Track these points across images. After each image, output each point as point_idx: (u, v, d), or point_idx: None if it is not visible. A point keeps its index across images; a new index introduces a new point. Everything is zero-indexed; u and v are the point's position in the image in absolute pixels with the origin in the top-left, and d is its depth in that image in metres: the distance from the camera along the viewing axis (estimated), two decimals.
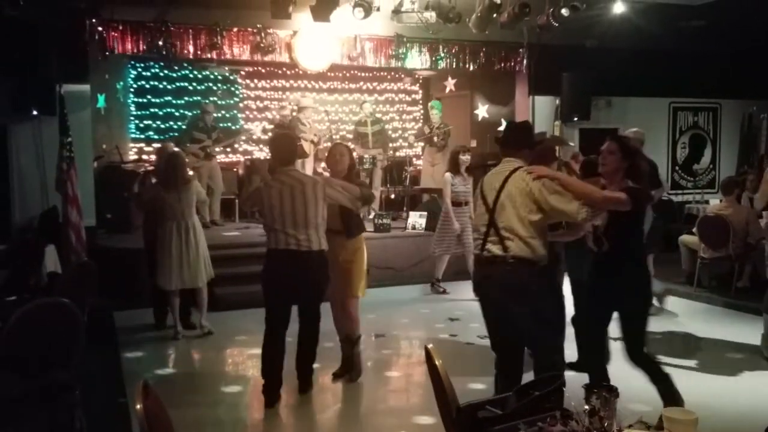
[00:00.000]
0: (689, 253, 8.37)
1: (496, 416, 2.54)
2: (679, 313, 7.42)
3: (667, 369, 4.35)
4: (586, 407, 2.16)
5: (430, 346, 2.91)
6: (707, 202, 10.38)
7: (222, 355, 6.25)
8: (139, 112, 10.86)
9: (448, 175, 8.01)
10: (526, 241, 3.78)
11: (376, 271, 8.92)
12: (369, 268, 5.64)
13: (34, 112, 7.83)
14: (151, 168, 8.20)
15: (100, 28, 8.15)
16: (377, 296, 8.46)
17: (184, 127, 10.64)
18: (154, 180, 6.94)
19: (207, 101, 10.43)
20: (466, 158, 8.03)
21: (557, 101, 10.47)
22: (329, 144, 11.38)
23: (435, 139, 10.38)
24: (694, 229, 8.07)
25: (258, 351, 5.00)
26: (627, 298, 4.06)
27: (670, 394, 4.12)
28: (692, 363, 5.81)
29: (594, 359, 4.36)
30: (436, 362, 2.81)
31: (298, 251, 4.69)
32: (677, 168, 11.79)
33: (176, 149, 7.14)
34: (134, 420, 3.29)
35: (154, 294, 6.70)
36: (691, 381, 5.30)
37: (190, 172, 7.26)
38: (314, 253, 4.74)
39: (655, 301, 7.04)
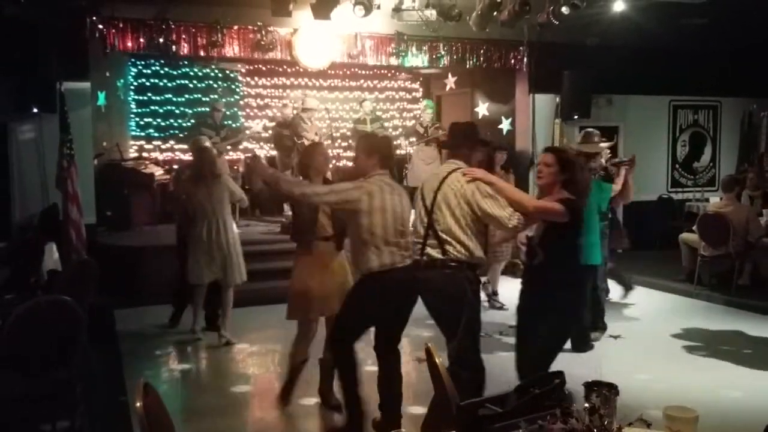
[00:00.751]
0: (689, 251, 8.37)
1: (496, 414, 2.54)
2: (680, 311, 7.43)
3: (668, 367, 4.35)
4: (586, 405, 2.16)
5: (430, 344, 2.92)
6: (707, 200, 10.38)
7: (226, 354, 6.23)
8: (139, 110, 10.86)
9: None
10: (464, 244, 3.80)
11: None
12: None
13: (35, 110, 7.82)
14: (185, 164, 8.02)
15: (100, 26, 8.14)
16: None
17: (189, 124, 10.66)
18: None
19: (217, 99, 10.45)
20: (502, 156, 7.63)
21: (558, 99, 10.45)
22: (329, 142, 11.44)
23: (426, 134, 10.38)
24: (695, 227, 8.07)
25: (258, 349, 4.99)
26: (550, 314, 3.86)
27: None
28: (693, 360, 5.82)
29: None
30: (437, 360, 2.82)
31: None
32: (677, 166, 11.78)
33: (206, 144, 7.04)
34: (134, 419, 3.30)
35: (178, 291, 6.67)
36: (692, 378, 5.32)
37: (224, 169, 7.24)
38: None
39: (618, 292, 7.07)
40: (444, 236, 3.81)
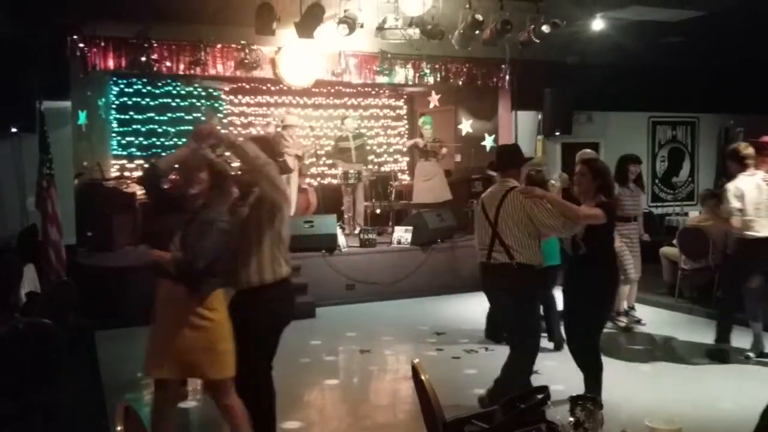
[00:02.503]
0: (670, 264, 8.45)
1: (482, 430, 2.55)
2: (662, 324, 7.47)
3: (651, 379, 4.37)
4: (571, 419, 2.17)
5: (416, 361, 2.92)
6: (686, 214, 10.50)
7: None
8: (121, 129, 10.80)
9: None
10: (527, 250, 4.48)
11: (362, 286, 8.94)
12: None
13: (14, 130, 7.76)
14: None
15: (81, 45, 8.12)
16: (363, 311, 8.47)
17: (172, 142, 10.65)
18: None
19: (208, 117, 10.41)
20: (635, 168, 7.44)
21: (539, 116, 10.56)
22: (314, 159, 11.46)
23: (427, 150, 10.41)
24: (675, 241, 8.15)
25: None
26: (593, 295, 4.68)
27: (596, 388, 4.67)
28: (676, 373, 5.84)
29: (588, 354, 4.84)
30: (423, 377, 2.82)
31: None
32: (657, 181, 11.92)
33: None
34: None
35: None
36: (674, 391, 5.35)
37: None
38: None
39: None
40: (509, 243, 4.49)
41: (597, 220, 4.49)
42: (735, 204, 5.85)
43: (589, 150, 7.65)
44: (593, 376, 4.75)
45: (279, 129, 10.11)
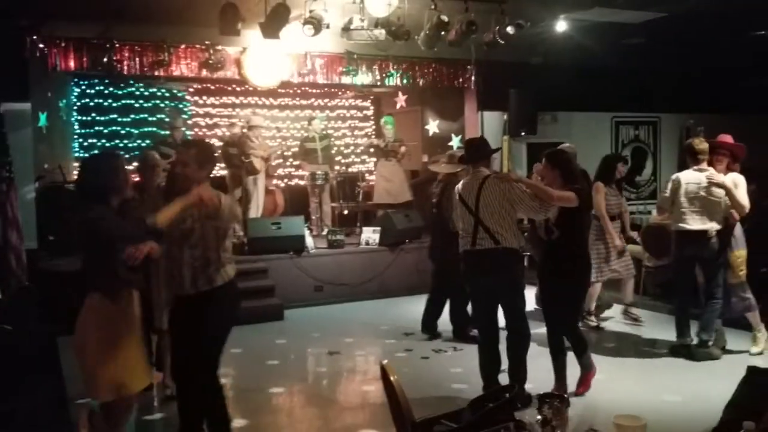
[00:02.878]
0: (634, 262, 8.57)
1: (451, 430, 2.56)
2: (626, 321, 7.59)
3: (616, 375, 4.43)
4: (539, 417, 2.19)
5: (385, 362, 2.92)
6: (650, 212, 10.67)
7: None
8: (83, 131, 10.64)
9: (600, 184, 6.98)
10: (510, 234, 4.72)
11: (330, 288, 8.92)
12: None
13: None
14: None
15: (41, 45, 7.95)
16: (331, 313, 8.45)
17: (135, 144, 10.52)
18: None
19: (174, 118, 10.28)
20: (623, 168, 7.61)
21: (505, 116, 10.64)
22: (281, 160, 11.40)
23: (387, 149, 10.46)
24: (638, 239, 8.28)
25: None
26: (567, 277, 4.90)
27: (587, 360, 5.14)
28: (640, 368, 5.94)
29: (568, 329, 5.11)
30: (392, 378, 2.82)
31: None
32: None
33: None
34: None
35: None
36: (640, 386, 5.43)
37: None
38: None
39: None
40: (494, 229, 4.70)
41: (570, 202, 4.70)
42: (665, 193, 6.15)
43: (567, 144, 7.69)
44: (583, 350, 5.10)
45: (245, 130, 10.04)
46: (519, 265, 4.89)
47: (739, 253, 6.03)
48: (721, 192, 5.83)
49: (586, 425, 2.05)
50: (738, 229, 6.06)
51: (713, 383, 5.32)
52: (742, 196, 5.87)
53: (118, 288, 3.70)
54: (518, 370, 4.90)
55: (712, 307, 6.08)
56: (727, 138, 6.13)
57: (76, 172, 4.22)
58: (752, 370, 3.74)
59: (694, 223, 5.94)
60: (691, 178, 6.00)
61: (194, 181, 3.84)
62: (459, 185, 5.09)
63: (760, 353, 6.08)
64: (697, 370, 5.86)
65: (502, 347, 5.02)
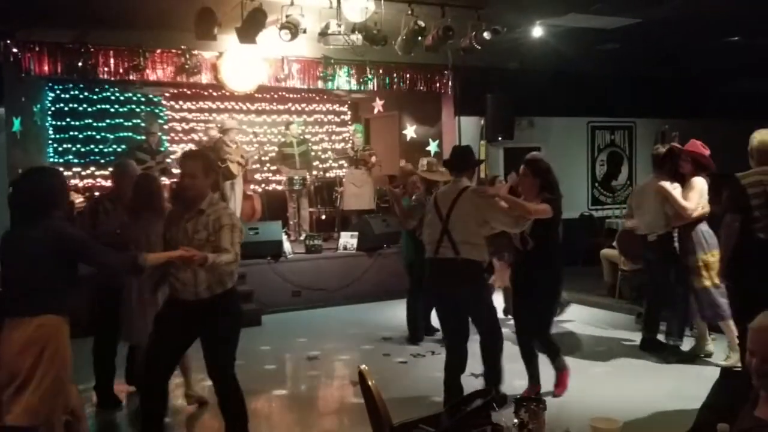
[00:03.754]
0: (610, 266, 8.67)
1: None
2: (603, 324, 7.67)
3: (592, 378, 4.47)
4: (516, 420, 2.21)
5: (363, 366, 2.92)
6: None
7: None
8: (57, 136, 10.51)
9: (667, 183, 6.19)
10: (475, 247, 4.71)
11: (308, 293, 8.90)
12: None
13: None
14: (105, 193, 6.42)
15: (15, 50, 7.86)
16: (309, 317, 8.43)
17: (111, 149, 10.43)
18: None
19: (150, 124, 10.22)
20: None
21: (482, 122, 10.71)
22: (258, 165, 11.36)
23: (356, 158, 10.51)
24: (614, 243, 8.36)
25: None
26: (541, 286, 4.97)
27: (560, 362, 5.22)
28: (615, 371, 6.00)
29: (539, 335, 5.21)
30: (369, 383, 2.82)
31: None
32: (597, 184, 12.23)
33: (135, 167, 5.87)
34: None
35: (101, 358, 5.38)
36: (615, 389, 5.49)
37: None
38: None
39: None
40: (457, 240, 4.69)
41: (545, 214, 4.75)
42: (629, 201, 6.51)
43: (536, 152, 7.81)
44: (555, 355, 5.21)
45: (220, 135, 10.01)
46: (478, 276, 4.89)
47: (704, 257, 5.90)
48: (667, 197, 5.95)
49: (562, 428, 2.06)
50: (702, 233, 5.94)
51: (689, 385, 5.39)
52: (691, 198, 5.84)
53: (71, 307, 3.58)
54: (493, 372, 4.95)
55: (670, 312, 6.22)
56: (695, 144, 6.07)
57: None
58: (727, 372, 3.78)
59: (642, 227, 6.18)
60: (647, 183, 6.32)
61: (202, 190, 3.93)
62: (438, 192, 5.14)
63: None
64: (672, 372, 5.93)
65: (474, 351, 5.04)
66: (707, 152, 6.00)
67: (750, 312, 4.72)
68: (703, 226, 5.97)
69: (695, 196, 5.89)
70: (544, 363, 5.21)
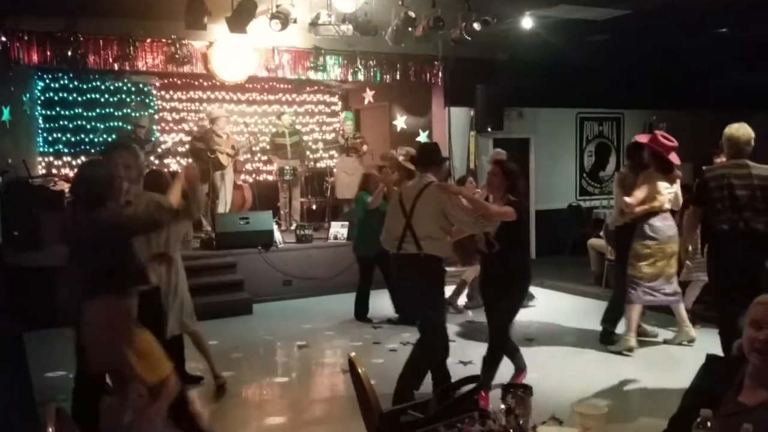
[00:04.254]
0: (597, 255, 8.76)
1: (417, 420, 2.62)
2: (589, 313, 7.75)
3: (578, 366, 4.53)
4: (503, 406, 2.26)
5: (353, 354, 2.98)
6: (612, 207, 10.87)
7: None
8: (47, 125, 10.47)
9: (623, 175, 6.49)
10: (437, 243, 4.67)
11: (299, 282, 8.94)
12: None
13: None
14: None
15: (3, 39, 7.82)
16: (299, 306, 8.48)
17: (101, 139, 10.40)
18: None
19: (139, 116, 10.23)
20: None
21: (472, 112, 10.75)
22: (248, 156, 11.36)
23: (347, 146, 10.53)
24: (602, 233, 8.45)
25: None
26: (509, 289, 4.94)
27: (492, 373, 4.97)
28: (601, 360, 6.08)
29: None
30: (359, 370, 2.88)
31: None
32: (585, 175, 12.30)
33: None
34: None
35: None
36: (600, 377, 5.57)
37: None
38: None
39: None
40: (420, 235, 4.66)
41: (508, 217, 4.72)
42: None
43: (501, 150, 8.35)
44: (513, 352, 5.25)
45: (210, 125, 10.00)
46: (438, 273, 4.82)
47: (638, 245, 6.02)
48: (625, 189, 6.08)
49: (548, 414, 2.12)
50: (649, 226, 5.95)
51: (674, 371, 5.49)
52: (635, 194, 5.91)
53: (131, 287, 3.77)
54: (415, 382, 4.79)
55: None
56: (656, 137, 5.98)
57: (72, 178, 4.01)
58: (711, 358, 3.84)
59: (617, 220, 6.32)
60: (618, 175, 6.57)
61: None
62: (403, 187, 5.17)
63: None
64: (658, 359, 6.03)
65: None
66: (672, 144, 5.89)
67: (724, 298, 4.98)
68: (657, 220, 5.94)
69: (641, 191, 5.93)
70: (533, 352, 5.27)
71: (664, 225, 5.98)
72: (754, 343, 2.27)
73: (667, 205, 6.02)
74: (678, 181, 6.14)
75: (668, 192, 6.01)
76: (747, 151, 4.92)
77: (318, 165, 12.05)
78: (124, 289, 3.70)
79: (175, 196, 3.88)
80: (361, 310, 7.70)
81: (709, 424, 1.98)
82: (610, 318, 6.50)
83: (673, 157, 5.96)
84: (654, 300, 6.14)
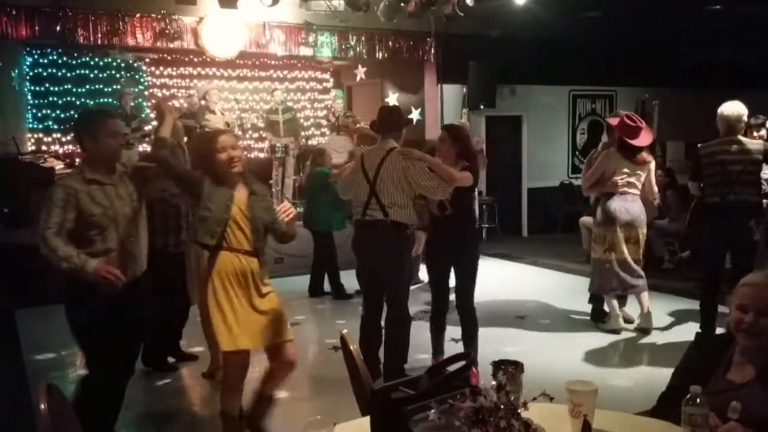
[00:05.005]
0: (589, 233, 8.78)
1: (409, 396, 2.64)
2: (579, 291, 7.78)
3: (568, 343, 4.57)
4: (493, 383, 2.28)
5: (345, 332, 2.99)
6: None
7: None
8: (36, 101, 10.36)
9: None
10: (403, 209, 4.62)
11: (291, 260, 8.94)
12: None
13: None
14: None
15: None
16: (292, 284, 8.48)
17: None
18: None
19: (123, 86, 10.09)
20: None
21: (464, 89, 10.71)
22: (240, 132, 11.30)
23: (337, 124, 10.49)
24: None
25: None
26: (464, 252, 4.92)
27: (473, 344, 4.99)
28: (591, 337, 6.13)
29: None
30: (351, 347, 2.89)
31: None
32: (577, 153, 12.31)
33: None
34: (39, 421, 3.20)
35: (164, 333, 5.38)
36: (590, 354, 5.63)
37: None
38: None
39: None
40: (385, 202, 4.59)
41: (467, 182, 4.72)
42: None
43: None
44: (474, 332, 5.05)
45: (202, 102, 9.92)
46: (405, 240, 4.80)
47: (593, 227, 6.14)
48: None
49: (539, 390, 2.13)
50: (606, 208, 5.93)
51: (665, 350, 5.55)
52: (585, 172, 6.16)
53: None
54: (395, 369, 4.67)
55: None
56: (619, 117, 5.94)
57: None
58: (701, 337, 3.91)
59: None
60: None
61: None
62: (364, 152, 4.97)
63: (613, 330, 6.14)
64: (648, 338, 6.08)
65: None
66: (634, 125, 5.76)
67: (715, 268, 5.14)
68: (613, 203, 5.87)
69: (590, 171, 6.00)
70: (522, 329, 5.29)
71: (621, 207, 5.84)
72: (740, 325, 2.29)
73: (632, 190, 5.86)
74: (650, 165, 5.94)
75: (635, 177, 5.85)
76: (739, 128, 5.24)
77: (310, 143, 12.00)
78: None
79: (166, 129, 3.83)
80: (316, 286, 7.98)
81: (698, 400, 2.00)
82: (596, 296, 6.47)
83: (642, 139, 5.79)
84: (613, 289, 6.02)
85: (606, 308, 6.34)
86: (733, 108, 5.26)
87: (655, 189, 6.13)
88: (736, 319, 2.32)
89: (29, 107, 10.31)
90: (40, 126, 10.33)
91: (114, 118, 3.73)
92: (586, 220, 8.88)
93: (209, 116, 9.74)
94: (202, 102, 9.93)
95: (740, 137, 5.28)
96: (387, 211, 4.59)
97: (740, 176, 5.19)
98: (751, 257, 5.34)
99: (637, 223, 5.89)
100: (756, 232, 5.36)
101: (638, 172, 5.88)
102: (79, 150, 8.28)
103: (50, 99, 10.41)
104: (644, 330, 6.13)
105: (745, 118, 5.32)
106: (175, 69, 11.39)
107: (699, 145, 5.45)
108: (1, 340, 5.79)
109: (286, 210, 3.68)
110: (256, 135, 11.46)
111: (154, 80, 11.30)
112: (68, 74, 10.53)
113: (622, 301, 6.41)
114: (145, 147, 10.52)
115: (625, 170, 5.84)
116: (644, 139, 5.82)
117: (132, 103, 9.87)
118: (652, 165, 6.01)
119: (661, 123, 10.49)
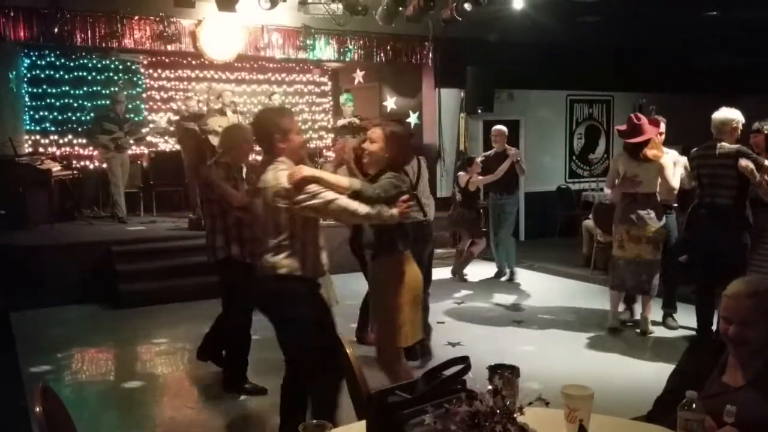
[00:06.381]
0: (589, 237, 8.81)
1: (405, 400, 2.63)
2: (577, 295, 7.81)
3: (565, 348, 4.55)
4: (490, 387, 2.27)
5: (341, 335, 2.98)
6: (602, 189, 10.90)
7: (131, 353, 6.08)
8: (33, 103, 10.37)
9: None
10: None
11: None
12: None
13: None
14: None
15: None
16: None
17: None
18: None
19: (117, 91, 10.10)
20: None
21: (462, 94, 10.71)
22: None
23: (355, 127, 10.43)
24: (591, 215, 8.49)
25: (166, 347, 4.86)
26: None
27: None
28: (589, 341, 6.13)
29: None
30: (347, 351, 2.88)
31: None
32: (574, 158, 12.32)
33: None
34: (34, 424, 3.19)
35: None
36: (587, 358, 5.62)
37: None
38: None
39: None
40: None
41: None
42: None
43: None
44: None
45: (216, 106, 9.76)
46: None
47: (615, 228, 6.14)
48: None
49: (535, 395, 2.13)
50: (618, 210, 6.06)
51: (661, 354, 5.54)
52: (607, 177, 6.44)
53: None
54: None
55: None
56: (621, 126, 6.12)
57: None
58: (698, 339, 3.92)
59: None
60: None
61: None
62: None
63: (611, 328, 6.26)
64: (644, 342, 6.07)
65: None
66: (635, 123, 5.88)
67: (705, 270, 5.18)
68: (624, 202, 5.98)
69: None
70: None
71: (627, 207, 5.93)
72: (726, 334, 2.32)
73: (644, 189, 5.86)
74: (660, 161, 5.87)
75: (644, 175, 5.84)
76: (723, 131, 5.31)
77: (308, 146, 12.00)
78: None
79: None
80: None
81: (694, 405, 2.00)
82: (664, 301, 6.51)
83: (642, 136, 5.82)
84: (617, 286, 6.20)
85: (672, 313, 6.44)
86: (721, 113, 5.36)
87: (673, 183, 5.99)
88: (722, 329, 2.34)
89: (27, 109, 10.31)
90: (38, 128, 10.34)
91: None
92: (588, 224, 8.88)
93: (211, 120, 9.68)
94: (215, 105, 9.85)
95: (721, 142, 5.32)
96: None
97: (714, 180, 5.37)
98: (740, 260, 5.29)
99: (643, 223, 5.88)
100: (743, 235, 5.34)
101: (647, 169, 5.90)
102: (76, 152, 8.31)
103: (48, 101, 10.42)
104: (642, 333, 6.17)
105: (734, 123, 5.33)
106: (173, 71, 11.40)
107: (691, 151, 5.68)
108: None
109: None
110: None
111: (153, 83, 11.31)
112: (66, 76, 10.54)
113: (631, 301, 6.57)
114: (142, 149, 10.53)
115: (634, 169, 5.91)
116: (647, 133, 5.85)
117: (123, 107, 9.82)
118: (666, 159, 5.94)
119: None
